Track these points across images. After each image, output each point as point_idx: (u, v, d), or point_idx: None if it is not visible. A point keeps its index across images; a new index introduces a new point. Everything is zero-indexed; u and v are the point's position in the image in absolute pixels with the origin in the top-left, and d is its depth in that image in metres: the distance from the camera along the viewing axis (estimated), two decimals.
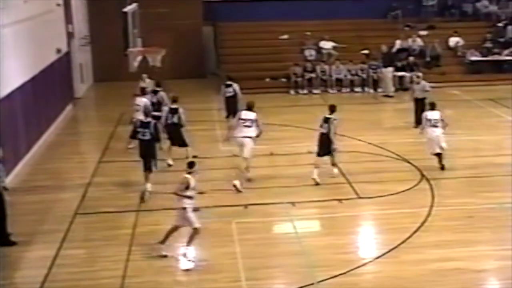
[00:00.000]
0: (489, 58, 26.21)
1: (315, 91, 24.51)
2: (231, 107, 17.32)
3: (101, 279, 10.21)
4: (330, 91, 24.65)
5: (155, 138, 13.77)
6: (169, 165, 15.38)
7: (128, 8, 17.20)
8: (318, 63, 25.48)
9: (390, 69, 24.03)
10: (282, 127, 15.87)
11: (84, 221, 12.60)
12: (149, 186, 13.64)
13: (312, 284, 9.86)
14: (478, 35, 27.40)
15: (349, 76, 24.85)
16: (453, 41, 27.00)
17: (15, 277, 10.50)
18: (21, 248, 11.32)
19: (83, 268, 10.59)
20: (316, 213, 12.77)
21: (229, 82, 17.84)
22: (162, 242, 10.90)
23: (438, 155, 14.89)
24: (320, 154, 14.28)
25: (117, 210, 13.00)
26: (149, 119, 13.91)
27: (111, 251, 11.16)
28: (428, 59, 26.22)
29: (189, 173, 10.72)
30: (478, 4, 28.98)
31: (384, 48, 24.64)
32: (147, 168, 13.68)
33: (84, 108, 23.28)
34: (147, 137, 13.61)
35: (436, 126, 14.92)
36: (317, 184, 13.88)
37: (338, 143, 14.28)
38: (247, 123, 14.20)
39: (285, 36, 27.28)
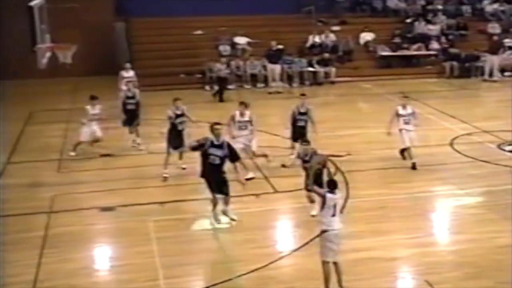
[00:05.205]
0: (398, 53, 27.09)
1: (230, 86, 24.57)
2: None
3: (10, 285, 9.78)
4: (246, 86, 24.73)
5: None
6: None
7: (34, 3, 16.55)
8: (232, 58, 25.51)
9: (278, 66, 24.26)
10: (197, 123, 15.74)
11: None
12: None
13: (230, 279, 9.83)
14: (388, 31, 28.24)
15: (263, 71, 24.99)
16: (364, 36, 27.70)
17: None
18: None
19: None
20: (233, 209, 12.69)
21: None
22: None
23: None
24: None
25: (27, 212, 12.51)
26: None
27: (21, 255, 10.69)
28: (340, 53, 26.78)
29: None
30: (387, 1, 29.85)
31: (273, 43, 24.72)
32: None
33: None
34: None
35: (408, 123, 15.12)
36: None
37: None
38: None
39: (199, 32, 27.16)
